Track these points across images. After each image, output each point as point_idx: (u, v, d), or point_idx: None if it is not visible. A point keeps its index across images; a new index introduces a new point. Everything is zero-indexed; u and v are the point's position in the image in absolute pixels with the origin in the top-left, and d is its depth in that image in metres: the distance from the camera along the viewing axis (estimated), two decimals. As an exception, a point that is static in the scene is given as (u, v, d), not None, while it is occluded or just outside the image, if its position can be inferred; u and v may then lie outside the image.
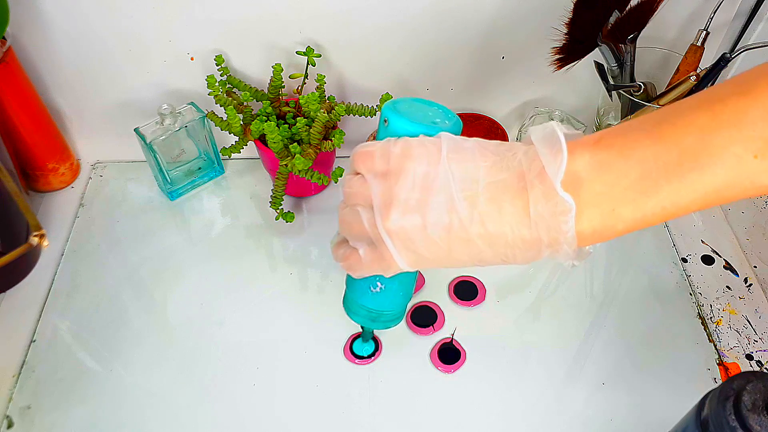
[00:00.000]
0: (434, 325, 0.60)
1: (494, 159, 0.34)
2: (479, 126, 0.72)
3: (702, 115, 0.30)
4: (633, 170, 0.31)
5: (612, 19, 0.58)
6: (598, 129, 0.70)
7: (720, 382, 0.57)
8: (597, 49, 0.60)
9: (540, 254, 0.34)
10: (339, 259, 0.40)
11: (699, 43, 0.62)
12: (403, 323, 0.60)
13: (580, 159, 0.32)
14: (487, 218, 0.33)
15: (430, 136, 0.36)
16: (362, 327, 0.52)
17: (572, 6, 0.58)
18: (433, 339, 0.59)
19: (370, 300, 0.45)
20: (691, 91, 0.60)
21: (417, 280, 0.47)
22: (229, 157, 0.71)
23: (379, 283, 0.44)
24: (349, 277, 0.46)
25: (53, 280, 0.63)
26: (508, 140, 0.67)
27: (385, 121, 0.39)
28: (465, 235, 0.34)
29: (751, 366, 0.59)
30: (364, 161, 0.36)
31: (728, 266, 0.67)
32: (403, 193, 0.34)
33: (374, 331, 0.57)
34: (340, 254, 0.40)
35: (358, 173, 0.37)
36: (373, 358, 0.58)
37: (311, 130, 0.62)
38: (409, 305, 0.61)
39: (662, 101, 0.61)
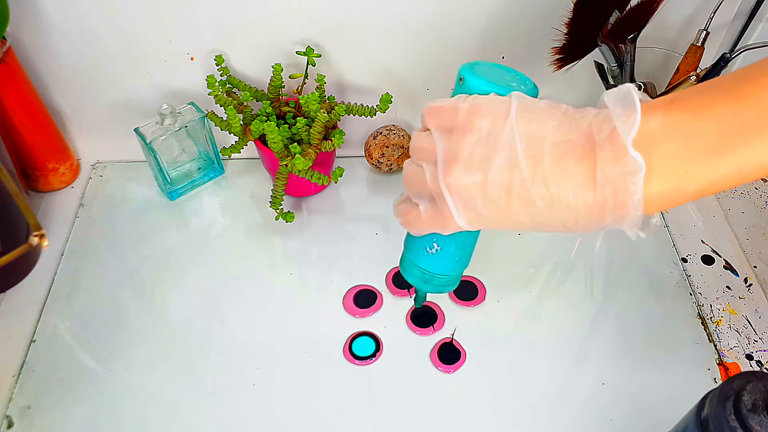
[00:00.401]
0: (434, 325, 0.60)
1: (563, 119, 0.33)
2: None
3: None
4: (708, 129, 0.29)
5: (612, 19, 0.58)
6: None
7: (720, 382, 0.57)
8: (597, 49, 0.60)
9: (603, 220, 0.32)
10: (399, 215, 0.40)
11: (699, 43, 0.62)
12: (402, 322, 0.60)
13: (652, 120, 0.30)
14: (551, 179, 0.32)
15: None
16: (416, 290, 0.51)
17: (572, 6, 0.58)
18: (433, 339, 0.59)
19: (425, 261, 0.44)
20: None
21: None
22: (229, 157, 0.71)
23: (435, 245, 0.43)
24: (408, 235, 0.45)
25: (53, 280, 0.63)
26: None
27: (461, 79, 0.38)
28: (526, 195, 0.32)
29: (751, 366, 0.59)
30: (433, 116, 0.36)
31: (728, 266, 0.67)
32: (467, 149, 0.34)
33: (427, 296, 0.55)
34: (400, 210, 0.40)
35: (427, 129, 0.37)
36: (373, 358, 0.58)
37: (311, 130, 0.62)
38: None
39: (662, 101, 0.61)
